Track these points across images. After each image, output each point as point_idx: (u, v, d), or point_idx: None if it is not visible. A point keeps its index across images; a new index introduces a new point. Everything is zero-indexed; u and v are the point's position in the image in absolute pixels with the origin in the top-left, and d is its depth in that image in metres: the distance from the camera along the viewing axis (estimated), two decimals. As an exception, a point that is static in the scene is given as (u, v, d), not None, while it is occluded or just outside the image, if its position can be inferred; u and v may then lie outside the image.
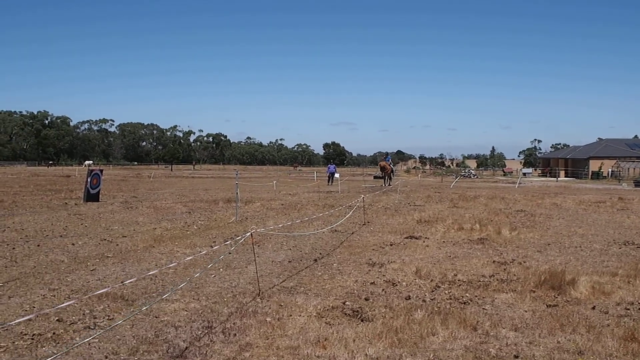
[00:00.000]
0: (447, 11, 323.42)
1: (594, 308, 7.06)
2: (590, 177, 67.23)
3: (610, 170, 69.18)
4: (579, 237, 13.33)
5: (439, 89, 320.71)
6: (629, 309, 7.02)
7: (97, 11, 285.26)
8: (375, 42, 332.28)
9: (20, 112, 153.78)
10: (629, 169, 69.02)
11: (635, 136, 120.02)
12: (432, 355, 5.37)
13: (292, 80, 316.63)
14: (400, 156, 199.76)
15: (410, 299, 7.48)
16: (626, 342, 5.69)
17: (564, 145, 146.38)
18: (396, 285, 8.26)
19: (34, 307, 6.76)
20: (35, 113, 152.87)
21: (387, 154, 40.58)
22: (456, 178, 59.31)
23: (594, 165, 70.08)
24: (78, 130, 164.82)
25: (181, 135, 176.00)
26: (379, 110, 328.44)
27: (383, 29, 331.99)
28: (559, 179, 64.71)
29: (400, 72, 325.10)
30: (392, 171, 40.40)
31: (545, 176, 74.81)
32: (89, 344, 5.51)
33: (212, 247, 11.19)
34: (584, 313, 6.82)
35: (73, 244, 11.53)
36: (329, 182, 41.81)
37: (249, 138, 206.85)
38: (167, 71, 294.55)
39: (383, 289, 8.00)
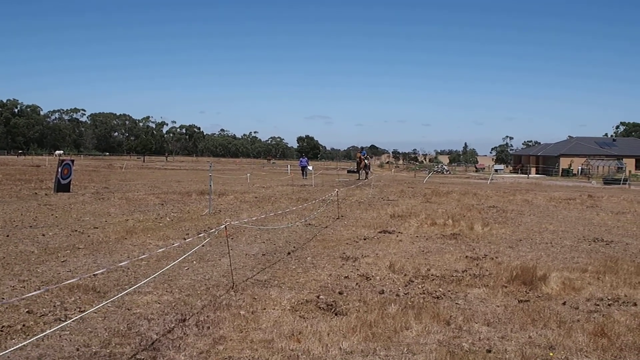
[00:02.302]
0: (422, 6, 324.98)
1: (564, 303, 7.16)
2: (560, 174, 68.20)
3: (580, 167, 70.24)
4: (549, 234, 13.51)
5: (415, 84, 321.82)
6: (598, 305, 7.14)
7: (69, 2, 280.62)
8: (352, 36, 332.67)
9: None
10: (598, 166, 70.22)
11: (605, 134, 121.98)
12: (405, 349, 5.40)
13: (267, 73, 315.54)
14: (374, 151, 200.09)
15: (384, 293, 7.51)
16: (596, 337, 5.78)
17: (536, 142, 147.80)
18: (370, 279, 8.29)
19: (3, 299, 6.64)
20: (5, 101, 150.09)
21: (362, 148, 40.73)
22: (429, 173, 59.68)
23: (564, 163, 71.06)
24: (48, 119, 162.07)
25: (154, 126, 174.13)
26: (354, 105, 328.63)
27: (359, 23, 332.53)
28: (530, 175, 65.51)
29: (376, 67, 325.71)
30: (366, 166, 40.45)
31: (517, 173, 75.67)
32: (60, 336, 5.44)
33: (185, 239, 11.09)
34: (555, 308, 6.91)
35: (43, 235, 11.36)
36: (302, 175, 41.81)
37: (222, 130, 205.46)
38: (141, 62, 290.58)
39: (357, 283, 8.02)
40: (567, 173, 67.65)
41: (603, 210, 20.08)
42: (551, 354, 5.33)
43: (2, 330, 5.57)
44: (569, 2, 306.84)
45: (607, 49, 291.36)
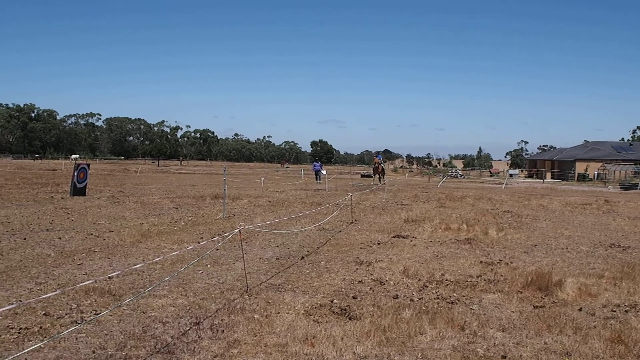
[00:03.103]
0: (437, 11, 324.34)
1: (580, 310, 7.10)
2: (576, 179, 67.70)
3: (596, 172, 69.68)
4: (565, 239, 13.41)
5: (428, 88, 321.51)
6: (615, 311, 7.07)
7: (87, 6, 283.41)
8: (365, 40, 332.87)
9: (7, 104, 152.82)
10: (614, 171, 69.56)
11: (622, 139, 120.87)
12: (420, 354, 5.38)
13: (281, 78, 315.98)
14: (388, 155, 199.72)
15: (398, 298, 7.49)
16: (613, 344, 5.73)
17: (551, 147, 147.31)
18: (384, 284, 8.27)
19: (21, 301, 6.70)
20: (22, 106, 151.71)
21: (378, 152, 40.65)
22: (443, 178, 59.48)
23: (580, 168, 70.51)
24: (65, 124, 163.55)
25: (168, 130, 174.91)
26: (367, 109, 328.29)
27: (373, 28, 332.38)
28: (545, 180, 65.10)
29: (389, 71, 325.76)
30: (382, 170, 40.42)
31: (532, 177, 75.26)
32: (76, 339, 5.48)
33: (199, 243, 11.15)
34: (571, 314, 6.86)
35: (60, 238, 11.46)
36: (316, 179, 41.78)
37: (236, 134, 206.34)
38: (156, 67, 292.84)
39: (371, 288, 8.01)
40: (583, 178, 67.10)
41: (620, 215, 19.89)
42: (567, 360, 5.29)
43: (19, 332, 5.62)
44: (586, 7, 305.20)
45: (624, 54, 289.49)
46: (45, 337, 5.51)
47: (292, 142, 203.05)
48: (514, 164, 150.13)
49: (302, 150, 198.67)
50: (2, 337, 5.48)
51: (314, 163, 46.81)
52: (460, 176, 77.01)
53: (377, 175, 39.89)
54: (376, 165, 39.79)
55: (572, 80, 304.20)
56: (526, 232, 14.31)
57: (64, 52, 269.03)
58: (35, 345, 5.17)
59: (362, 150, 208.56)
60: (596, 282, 8.63)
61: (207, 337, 5.69)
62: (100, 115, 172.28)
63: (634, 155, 76.04)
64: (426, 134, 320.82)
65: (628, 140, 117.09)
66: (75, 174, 21.51)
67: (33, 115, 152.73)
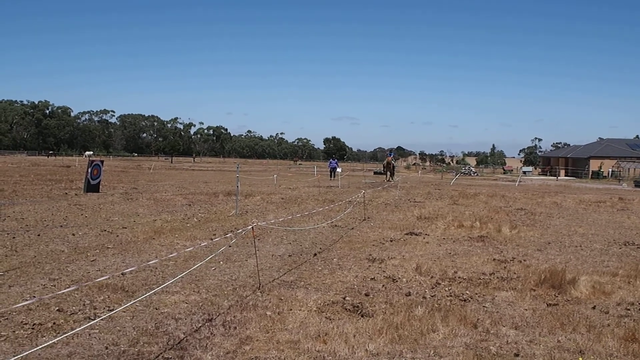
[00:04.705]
0: (451, 9, 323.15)
1: (594, 308, 7.05)
2: (590, 176, 67.18)
3: (610, 170, 69.09)
4: (579, 237, 13.32)
5: (441, 85, 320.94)
6: (629, 310, 7.02)
7: (101, 3, 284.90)
8: (379, 37, 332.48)
9: (21, 101, 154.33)
10: (629, 169, 68.93)
11: (636, 136, 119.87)
12: (432, 351, 5.37)
13: (294, 74, 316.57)
14: (401, 152, 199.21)
15: (410, 295, 7.48)
16: (627, 342, 5.68)
17: (565, 144, 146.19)
18: (396, 281, 8.26)
19: (34, 297, 6.74)
20: (36, 103, 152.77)
21: (391, 150, 40.67)
22: (456, 175, 59.19)
23: (594, 165, 69.98)
24: (79, 120, 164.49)
25: (182, 127, 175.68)
26: (381, 106, 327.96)
27: (386, 25, 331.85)
28: (559, 178, 64.67)
29: (402, 68, 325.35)
30: (393, 167, 40.41)
31: (546, 175, 74.76)
32: (89, 335, 5.52)
33: (212, 239, 11.17)
34: (585, 313, 6.81)
35: (73, 234, 11.52)
36: (330, 176, 41.76)
37: (249, 131, 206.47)
38: (169, 63, 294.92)
39: (383, 285, 8.00)
40: (597, 175, 66.55)
41: (634, 213, 19.74)
42: (580, 359, 5.26)
43: (33, 328, 5.66)
44: (602, 6, 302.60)
45: (638, 51, 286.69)
46: (58, 333, 5.54)
47: (305, 139, 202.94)
48: (527, 162, 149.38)
49: (315, 147, 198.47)
50: (16, 332, 5.52)
51: (330, 160, 46.69)
52: (474, 173, 76.54)
53: (388, 173, 39.87)
54: (387, 162, 39.81)
55: (587, 78, 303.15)
56: (539, 230, 14.23)
57: (78, 49, 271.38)
58: (49, 342, 5.20)
59: (375, 148, 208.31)
60: (610, 280, 8.57)
61: (219, 334, 5.71)
62: (114, 112, 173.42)
63: (649, 152, 75.29)
64: (439, 131, 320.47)
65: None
66: (89, 170, 21.62)
67: (47, 112, 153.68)
